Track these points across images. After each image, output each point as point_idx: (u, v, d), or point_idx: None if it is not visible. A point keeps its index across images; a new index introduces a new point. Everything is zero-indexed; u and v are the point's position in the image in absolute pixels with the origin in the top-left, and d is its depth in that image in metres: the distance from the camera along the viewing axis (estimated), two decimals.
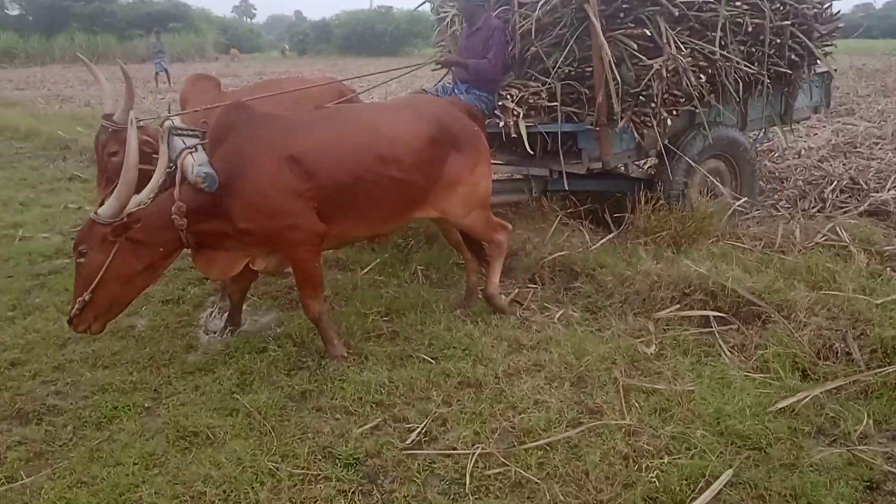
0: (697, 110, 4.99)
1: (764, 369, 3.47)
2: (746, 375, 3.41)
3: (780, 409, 3.08)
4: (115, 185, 3.32)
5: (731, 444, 2.89)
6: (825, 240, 4.95)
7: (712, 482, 2.62)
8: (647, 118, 4.79)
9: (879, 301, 3.76)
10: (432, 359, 3.72)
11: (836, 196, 6.46)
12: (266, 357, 3.79)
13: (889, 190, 6.48)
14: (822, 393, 3.18)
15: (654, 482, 2.65)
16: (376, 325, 4.15)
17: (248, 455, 2.90)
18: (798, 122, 6.82)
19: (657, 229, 4.83)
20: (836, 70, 6.57)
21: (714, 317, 3.94)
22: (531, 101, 4.93)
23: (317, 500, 2.65)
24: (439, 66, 5.41)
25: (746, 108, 5.61)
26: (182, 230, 3.34)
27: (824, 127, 10.53)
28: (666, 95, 4.71)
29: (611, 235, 5.12)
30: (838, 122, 11.21)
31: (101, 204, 3.41)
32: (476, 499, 2.63)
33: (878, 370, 3.26)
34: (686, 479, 2.65)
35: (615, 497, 2.59)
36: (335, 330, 3.85)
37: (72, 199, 7.71)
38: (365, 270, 5.04)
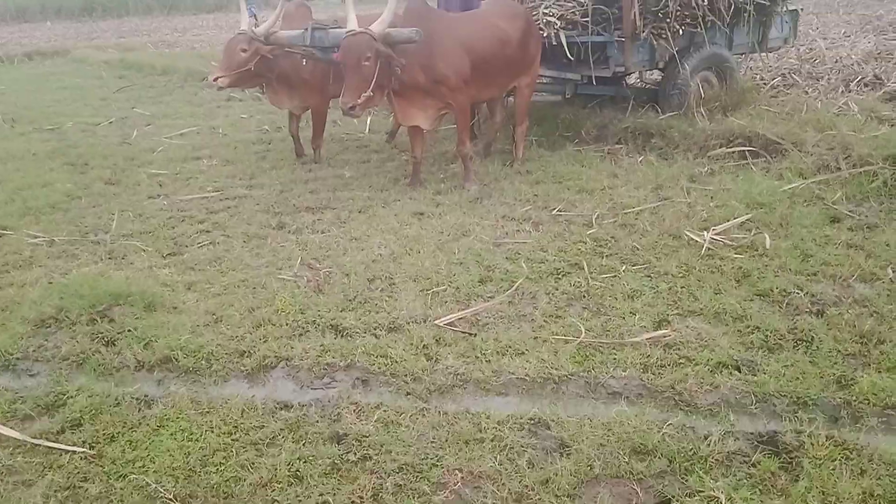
0: (699, 30, 6.50)
1: (780, 178, 5.32)
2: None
3: (784, 191, 4.94)
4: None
5: (753, 207, 4.77)
6: (839, 110, 6.67)
7: (735, 219, 4.54)
8: (663, 31, 6.36)
9: (863, 136, 5.52)
10: (558, 182, 5.69)
11: (860, 88, 8.09)
12: (451, 182, 5.83)
13: None
14: (813, 183, 5.03)
15: (704, 221, 4.58)
16: (518, 168, 6.14)
17: (464, 217, 4.94)
18: (772, 51, 8.21)
19: (710, 101, 6.63)
20: (802, 9, 8.04)
21: (749, 152, 5.78)
22: (568, 16, 6.45)
23: (507, 233, 4.66)
24: None
25: (733, 33, 7.09)
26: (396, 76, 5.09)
27: (868, 41, 11.83)
28: (678, 13, 6.31)
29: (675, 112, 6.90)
30: (884, 37, 12.48)
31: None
32: (596, 231, 4.60)
33: (852, 170, 5.08)
34: (720, 219, 4.57)
35: (678, 227, 4.51)
36: (474, 167, 5.85)
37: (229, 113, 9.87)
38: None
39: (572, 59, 6.43)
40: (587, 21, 6.35)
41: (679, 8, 6.31)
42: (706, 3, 6.41)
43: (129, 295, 3.86)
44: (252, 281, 4.13)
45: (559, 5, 6.49)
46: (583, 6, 6.39)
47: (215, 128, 8.74)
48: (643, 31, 6.29)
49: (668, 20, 6.30)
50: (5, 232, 5.13)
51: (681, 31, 6.44)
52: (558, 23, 6.37)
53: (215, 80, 5.94)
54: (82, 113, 10.42)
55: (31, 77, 15.50)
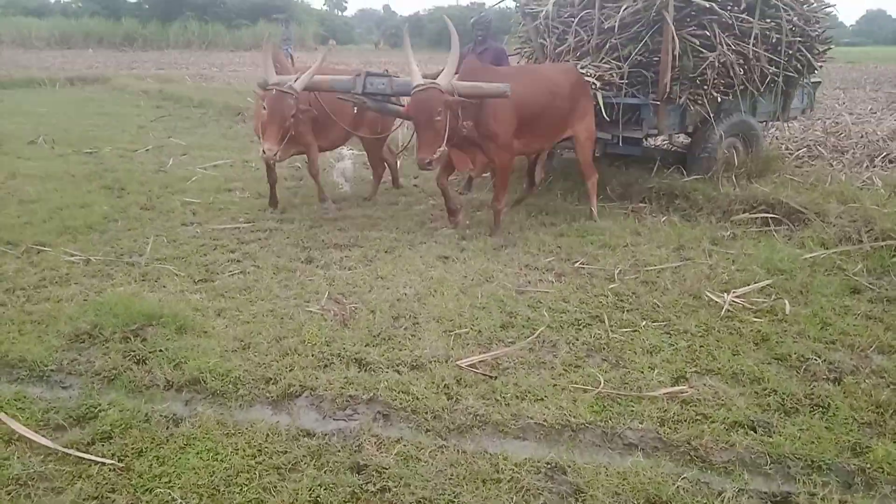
0: (729, 98, 6.73)
1: (801, 246, 5.39)
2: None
3: (805, 259, 5.01)
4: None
5: (774, 273, 4.83)
6: (863, 183, 6.77)
7: (756, 283, 4.60)
8: (699, 97, 6.57)
9: (886, 210, 5.60)
10: (581, 236, 5.80)
11: (885, 164, 8.20)
12: (476, 229, 5.96)
13: None
14: (835, 254, 5.10)
15: (725, 284, 4.65)
16: (542, 220, 6.26)
17: (488, 264, 5.04)
18: (791, 120, 8.40)
19: (735, 167, 6.76)
20: (820, 82, 8.42)
21: (771, 219, 5.87)
22: (605, 77, 6.63)
23: (530, 282, 4.76)
24: None
25: (757, 102, 7.28)
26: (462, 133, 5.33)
27: (894, 118, 12.00)
28: (716, 81, 6.52)
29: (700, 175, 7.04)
30: None
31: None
32: (618, 286, 4.68)
33: (873, 243, 5.15)
34: (741, 283, 4.65)
35: (699, 287, 4.58)
36: (504, 222, 5.99)
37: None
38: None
39: (608, 118, 6.59)
40: (624, 83, 6.53)
41: (717, 76, 6.48)
42: (743, 72, 6.60)
43: (161, 316, 3.98)
44: (280, 311, 4.24)
45: (596, 66, 6.68)
46: (620, 68, 6.58)
47: (248, 161, 9.00)
48: (681, 97, 6.45)
49: (705, 87, 6.47)
50: (44, 248, 5.30)
51: (718, 98, 6.61)
52: (596, 83, 6.54)
53: (275, 155, 5.59)
54: (120, 139, 10.76)
55: (72, 101, 16.01)
